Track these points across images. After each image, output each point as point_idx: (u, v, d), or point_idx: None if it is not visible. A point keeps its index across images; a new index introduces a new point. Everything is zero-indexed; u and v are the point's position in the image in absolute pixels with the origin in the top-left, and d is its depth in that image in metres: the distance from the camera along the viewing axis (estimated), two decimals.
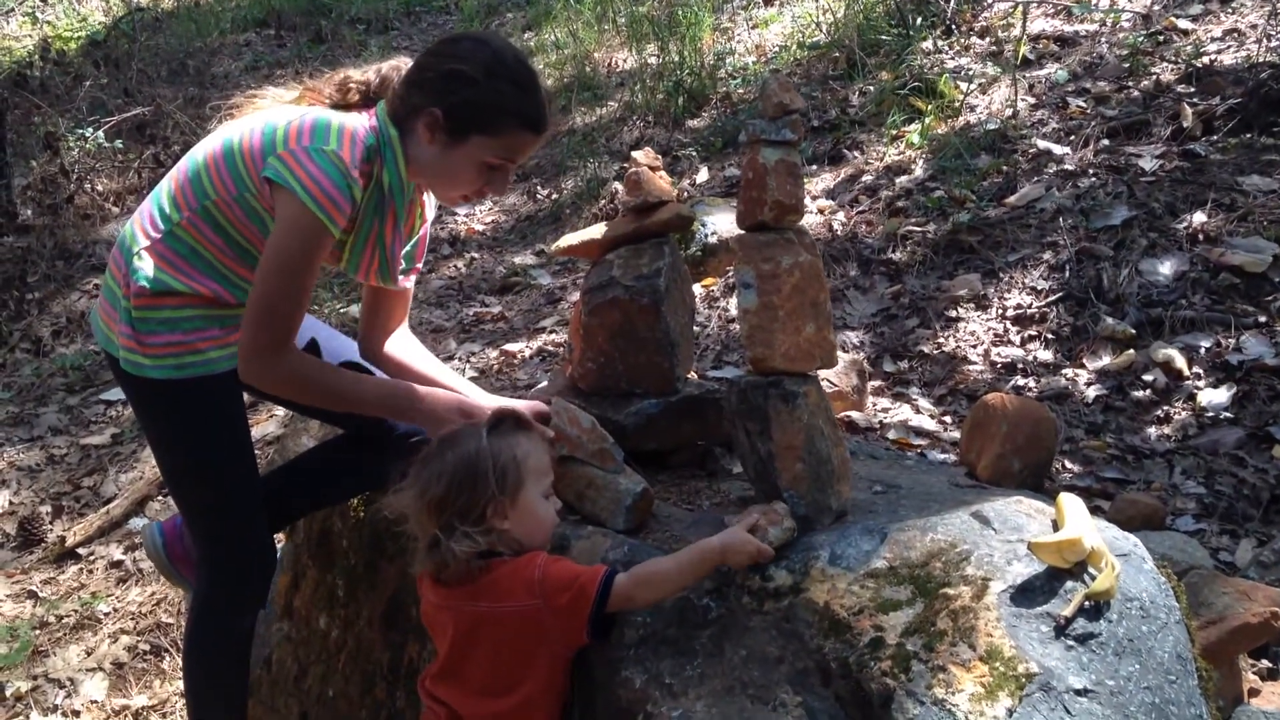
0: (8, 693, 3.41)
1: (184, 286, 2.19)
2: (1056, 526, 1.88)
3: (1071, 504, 1.89)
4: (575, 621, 1.84)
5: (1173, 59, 4.81)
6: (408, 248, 2.40)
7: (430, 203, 2.45)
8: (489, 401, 2.35)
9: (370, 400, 2.26)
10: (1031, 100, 4.97)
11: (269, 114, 2.22)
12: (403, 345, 2.52)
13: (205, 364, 2.23)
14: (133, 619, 3.69)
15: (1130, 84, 4.77)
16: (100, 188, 6.95)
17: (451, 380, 2.51)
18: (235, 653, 2.45)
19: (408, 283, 2.45)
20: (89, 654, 3.56)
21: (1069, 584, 1.75)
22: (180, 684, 3.04)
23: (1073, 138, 4.53)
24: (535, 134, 2.22)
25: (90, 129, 6.96)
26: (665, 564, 1.89)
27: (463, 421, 2.16)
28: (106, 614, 3.73)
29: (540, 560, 1.87)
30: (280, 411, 4.44)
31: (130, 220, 2.29)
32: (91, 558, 4.05)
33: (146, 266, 2.19)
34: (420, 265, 2.49)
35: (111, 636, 3.61)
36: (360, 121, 2.18)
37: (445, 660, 1.93)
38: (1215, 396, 3.21)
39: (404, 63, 2.26)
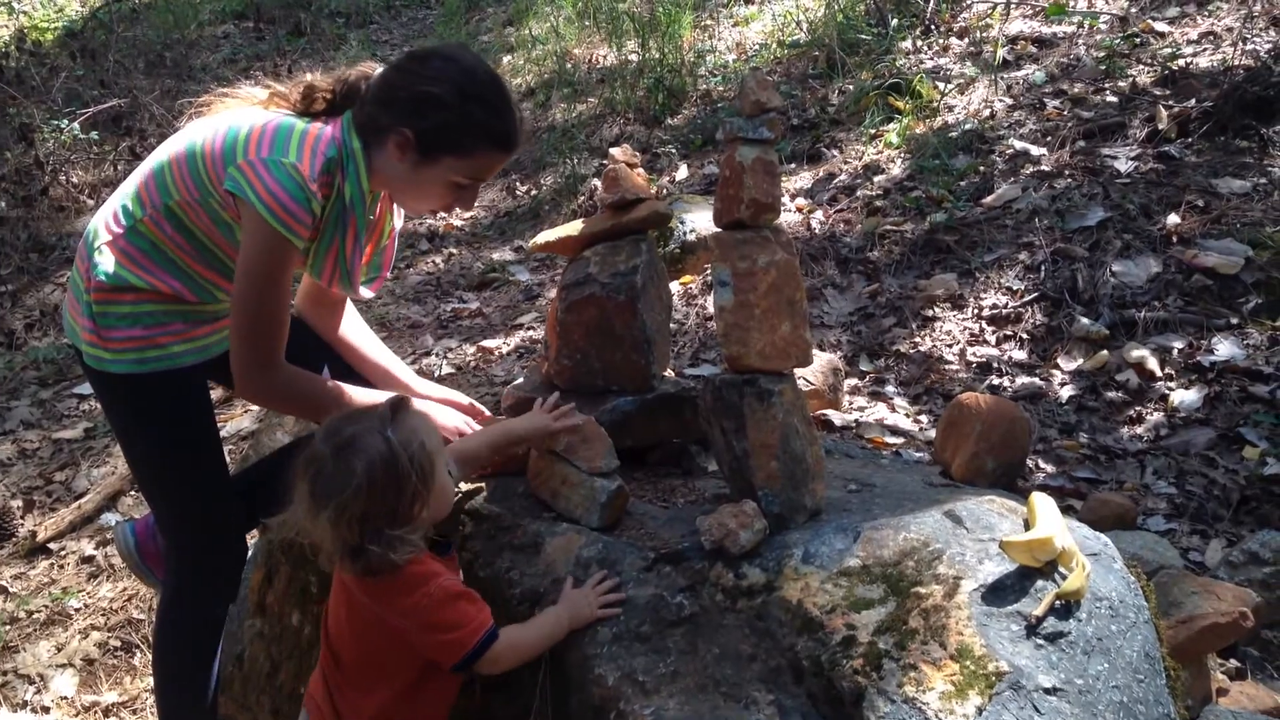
0: None
1: (143, 283, 2.19)
2: (1028, 526, 1.89)
3: (1043, 503, 1.91)
4: (443, 658, 1.86)
5: (1149, 61, 4.85)
6: (373, 257, 2.40)
7: (397, 211, 2.44)
8: (439, 394, 2.41)
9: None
10: (1009, 101, 4.99)
11: (234, 116, 2.20)
12: (356, 330, 2.57)
13: (168, 358, 2.23)
14: (104, 615, 3.66)
15: (1107, 86, 4.80)
16: (75, 180, 6.90)
17: (399, 370, 2.58)
18: (204, 645, 2.45)
19: (369, 292, 2.44)
20: (59, 650, 3.53)
21: (1039, 583, 1.76)
22: (151, 680, 3.03)
23: (1049, 139, 4.55)
24: (506, 153, 2.22)
25: (66, 120, 6.90)
26: (529, 633, 1.93)
27: (453, 439, 2.20)
28: (77, 609, 3.70)
29: (434, 591, 1.83)
30: (255, 406, 4.42)
31: (97, 214, 2.28)
32: (63, 553, 4.02)
33: (106, 261, 2.19)
34: (387, 274, 2.49)
35: (82, 632, 3.58)
36: (323, 132, 2.16)
37: (334, 645, 1.96)
38: (1187, 397, 3.23)
39: (371, 68, 2.24)
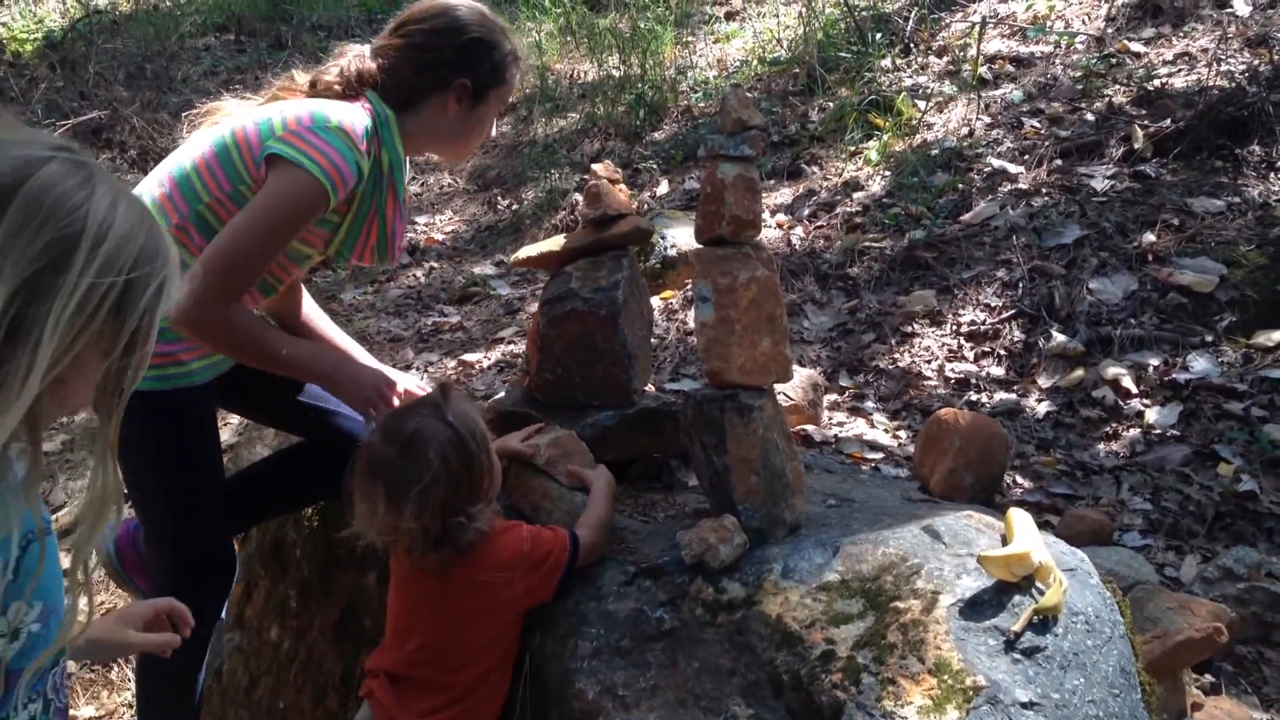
0: None
1: None
2: (1006, 541, 1.90)
3: (1020, 519, 1.92)
4: (544, 591, 1.95)
5: (1125, 81, 4.90)
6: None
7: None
8: (393, 373, 2.41)
9: (300, 363, 2.27)
10: (987, 119, 5.04)
11: (257, 112, 2.22)
12: (312, 309, 2.63)
13: (187, 375, 2.23)
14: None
15: (1083, 105, 4.84)
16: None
17: (343, 340, 2.65)
18: (190, 663, 2.43)
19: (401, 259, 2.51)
20: None
21: (1017, 598, 1.77)
22: (129, 694, 3.00)
23: (1027, 157, 4.59)
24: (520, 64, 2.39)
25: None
26: (603, 510, 2.04)
27: (386, 395, 2.24)
28: None
29: (525, 533, 1.95)
30: (235, 420, 4.40)
31: None
32: None
33: None
34: (404, 242, 2.51)
35: None
36: (353, 107, 2.22)
37: (400, 629, 1.97)
38: (1162, 414, 3.26)
39: (358, 49, 2.32)
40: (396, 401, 2.27)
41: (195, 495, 2.32)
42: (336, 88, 2.27)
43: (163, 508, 2.34)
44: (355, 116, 2.18)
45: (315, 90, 2.29)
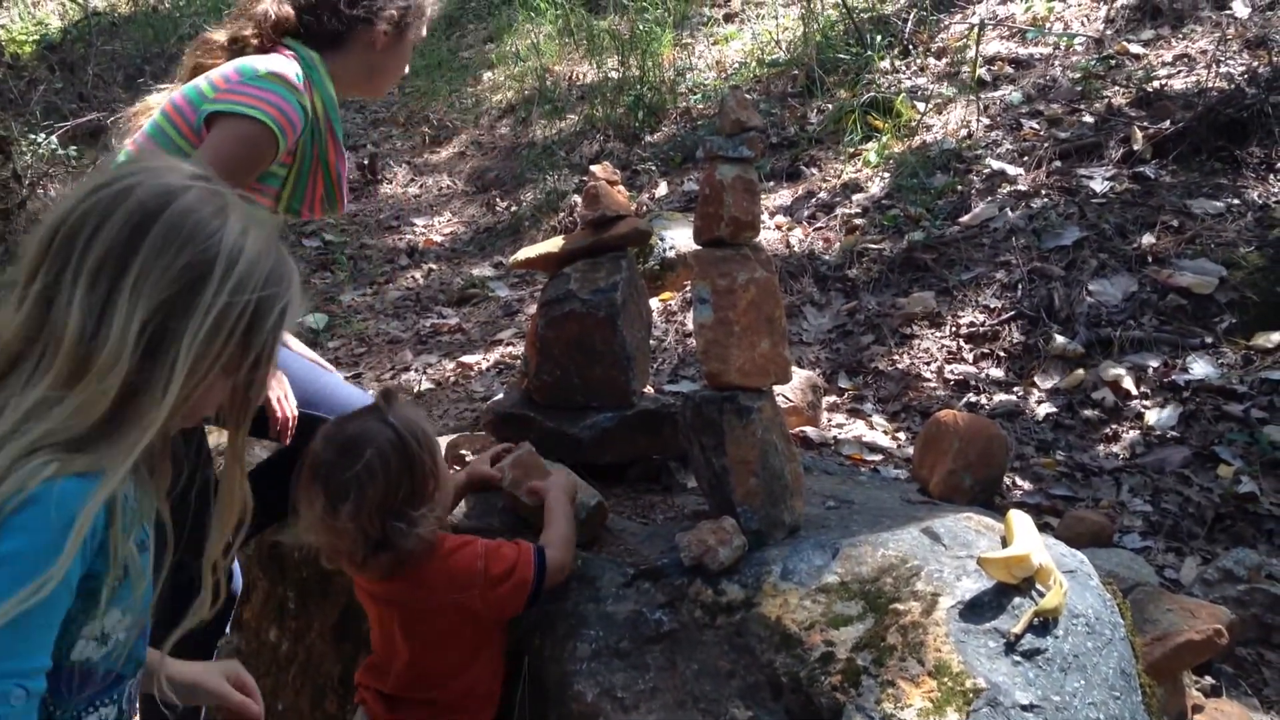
0: None
1: None
2: (1006, 543, 1.90)
3: (1020, 521, 1.92)
4: (513, 605, 1.89)
5: (1124, 83, 4.90)
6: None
7: None
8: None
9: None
10: (986, 121, 5.03)
11: (179, 89, 2.23)
12: None
13: None
14: None
15: (1082, 107, 4.84)
16: (54, 193, 6.85)
17: None
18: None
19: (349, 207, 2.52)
20: None
21: (1017, 600, 1.77)
22: None
23: (1026, 159, 4.59)
24: None
25: (44, 134, 6.87)
26: (563, 526, 1.98)
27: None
28: None
29: (480, 549, 1.89)
30: None
31: None
32: None
33: None
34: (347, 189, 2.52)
35: None
36: (276, 55, 2.23)
37: (382, 647, 1.93)
38: (1162, 416, 3.26)
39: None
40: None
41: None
42: (255, 41, 2.27)
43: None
44: (283, 63, 2.20)
45: (235, 45, 2.28)
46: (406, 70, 2.48)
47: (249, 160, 2.12)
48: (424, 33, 2.43)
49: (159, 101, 2.30)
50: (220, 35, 2.31)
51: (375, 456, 1.79)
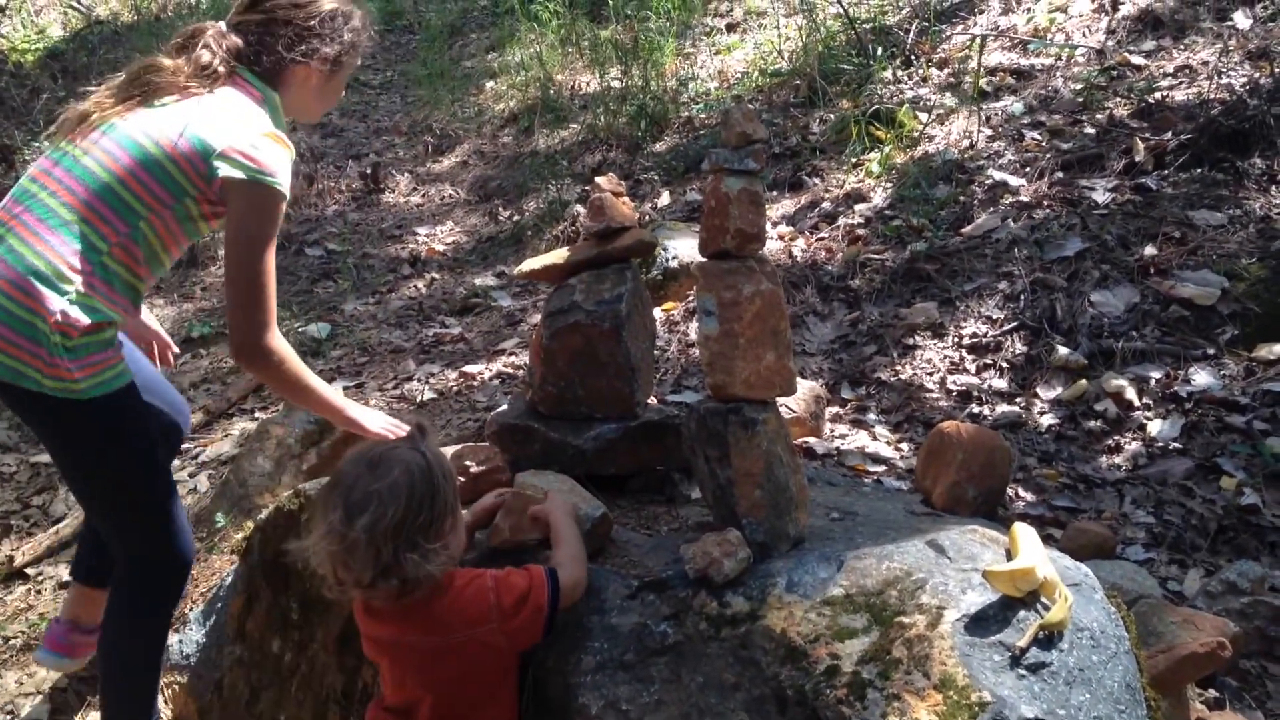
0: None
1: (112, 312, 2.27)
2: (1010, 555, 1.90)
3: (1025, 534, 1.92)
4: (532, 633, 1.87)
5: (1126, 94, 4.91)
6: None
7: None
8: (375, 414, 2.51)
9: (324, 397, 2.41)
10: (988, 132, 5.04)
11: (167, 116, 2.27)
12: None
13: (120, 375, 2.31)
14: None
15: (1084, 118, 4.85)
16: None
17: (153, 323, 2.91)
18: (156, 650, 2.56)
19: None
20: (30, 677, 3.49)
21: (1022, 613, 1.77)
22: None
23: (1028, 170, 4.60)
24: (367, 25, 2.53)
25: (47, 143, 6.87)
26: (572, 544, 1.98)
27: (390, 424, 2.40)
28: None
29: (489, 582, 1.87)
30: (236, 431, 4.39)
31: (27, 246, 2.22)
32: (40, 578, 3.98)
33: (88, 302, 2.22)
34: None
35: None
36: (247, 96, 2.34)
37: (400, 693, 1.91)
38: (1164, 427, 3.26)
39: (219, 26, 2.39)
40: (400, 429, 2.39)
41: (158, 483, 2.45)
42: (220, 69, 2.33)
43: (133, 504, 2.43)
44: (262, 114, 2.32)
45: (200, 72, 2.32)
46: (342, 95, 2.59)
47: (276, 225, 2.28)
48: (358, 62, 2.55)
49: (99, 107, 2.33)
50: (179, 62, 2.35)
51: (402, 476, 1.79)
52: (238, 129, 2.24)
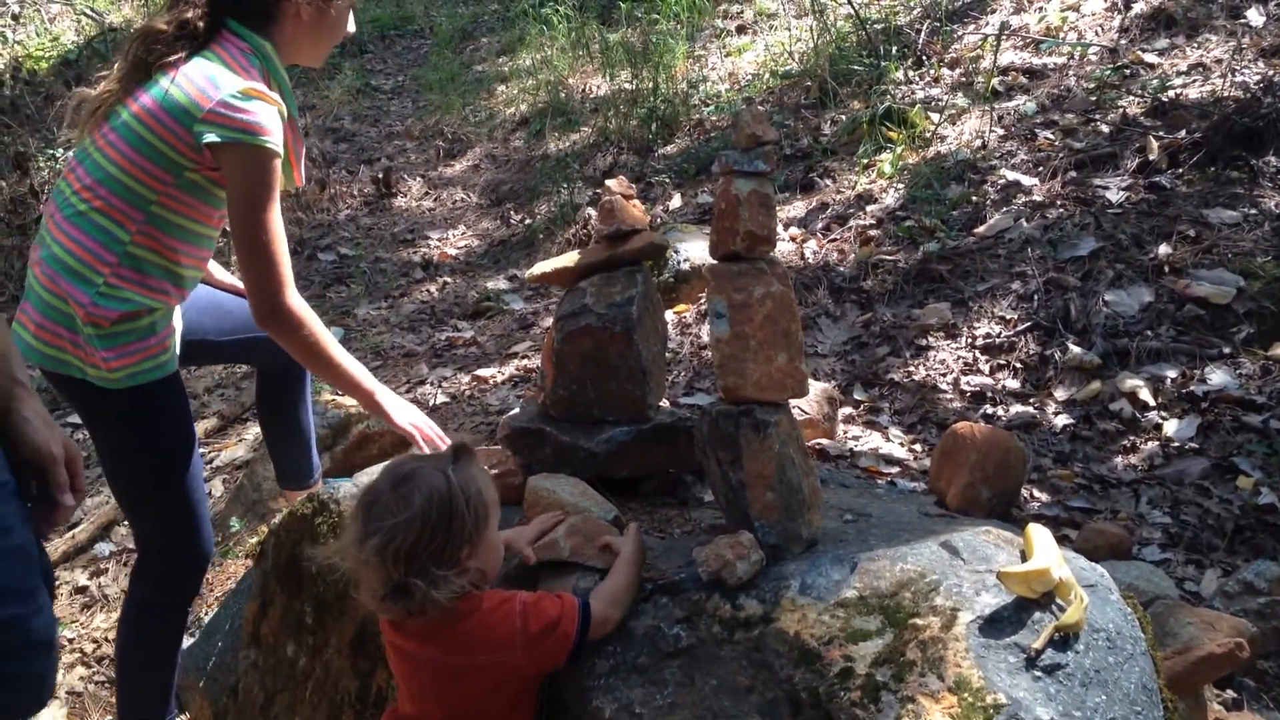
0: None
1: (148, 299, 2.29)
2: (1025, 557, 1.89)
3: (1040, 535, 1.91)
4: (555, 659, 1.85)
5: (1139, 93, 4.89)
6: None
7: None
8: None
9: (350, 374, 2.41)
10: (1001, 131, 5.03)
11: (157, 90, 2.26)
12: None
13: (162, 366, 2.33)
14: (94, 643, 3.64)
15: (1097, 117, 4.83)
16: None
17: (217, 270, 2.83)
18: (173, 644, 2.61)
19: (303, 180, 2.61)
20: None
21: (1037, 615, 1.76)
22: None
23: (1041, 169, 4.58)
24: None
25: (61, 150, 6.92)
26: (621, 583, 1.94)
27: (423, 420, 2.41)
28: (71, 640, 3.68)
29: (518, 608, 1.83)
30: (250, 435, 4.41)
31: (58, 244, 2.28)
32: (56, 583, 4.00)
33: (118, 293, 2.25)
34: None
35: (69, 666, 3.55)
36: (231, 49, 2.29)
37: (418, 705, 1.90)
38: (1180, 427, 3.24)
39: None
40: (429, 430, 2.44)
41: (191, 476, 2.46)
42: (201, 24, 2.31)
43: (165, 496, 2.45)
44: (244, 65, 2.27)
45: (182, 30, 2.31)
46: (351, 29, 2.49)
47: (275, 186, 2.25)
48: None
49: (108, 96, 2.33)
50: (164, 24, 2.32)
51: (420, 501, 1.76)
52: (212, 92, 2.20)
